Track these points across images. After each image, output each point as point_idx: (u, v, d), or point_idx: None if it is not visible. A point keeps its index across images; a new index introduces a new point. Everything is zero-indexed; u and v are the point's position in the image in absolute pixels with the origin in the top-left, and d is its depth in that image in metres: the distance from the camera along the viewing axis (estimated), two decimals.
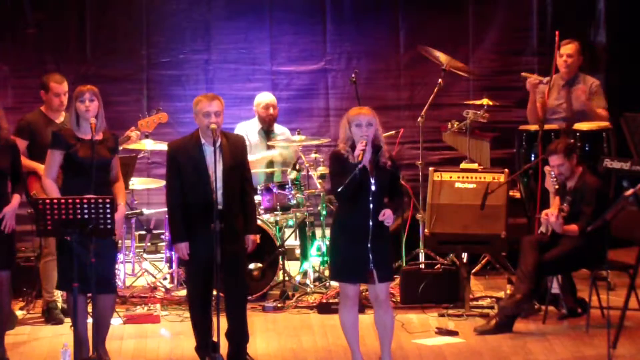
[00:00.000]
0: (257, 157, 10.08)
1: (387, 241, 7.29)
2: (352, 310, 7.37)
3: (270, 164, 10.24)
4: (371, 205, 7.16)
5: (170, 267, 9.92)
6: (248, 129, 10.26)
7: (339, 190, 7.13)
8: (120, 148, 8.41)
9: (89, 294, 7.43)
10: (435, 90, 10.11)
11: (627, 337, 8.09)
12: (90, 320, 7.54)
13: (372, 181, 7.18)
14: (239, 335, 7.69)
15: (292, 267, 10.01)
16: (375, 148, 7.24)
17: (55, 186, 7.56)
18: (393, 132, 9.83)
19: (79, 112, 7.56)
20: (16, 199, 7.74)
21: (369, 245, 7.18)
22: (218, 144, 7.44)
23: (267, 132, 10.30)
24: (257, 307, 9.20)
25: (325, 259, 9.89)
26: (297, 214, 9.77)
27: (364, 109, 7.28)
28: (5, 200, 7.71)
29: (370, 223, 7.17)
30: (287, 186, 9.76)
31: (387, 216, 7.11)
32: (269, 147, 10.28)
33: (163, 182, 9.15)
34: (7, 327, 8.16)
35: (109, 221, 7.14)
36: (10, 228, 7.69)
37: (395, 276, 8.84)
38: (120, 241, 9.30)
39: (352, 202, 7.20)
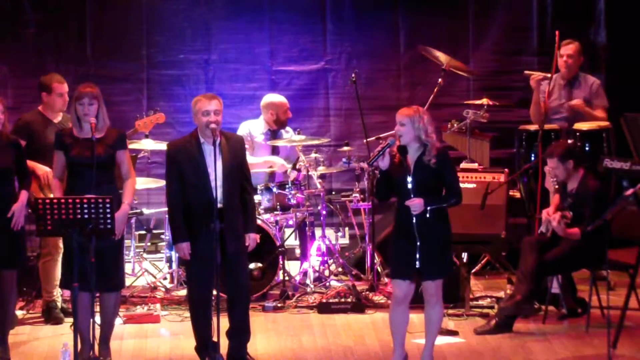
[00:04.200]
0: (259, 161, 10.07)
1: (439, 238, 7.28)
2: (398, 309, 7.36)
3: (272, 174, 10.25)
4: None
5: (170, 266, 9.93)
6: (252, 128, 10.26)
7: (374, 193, 7.49)
8: None
9: (97, 294, 7.46)
10: (435, 90, 10.12)
11: (627, 337, 8.09)
12: (98, 320, 7.57)
13: (410, 180, 7.20)
14: (241, 333, 7.69)
15: (292, 267, 10.01)
16: (423, 145, 7.25)
17: (59, 185, 7.61)
18: (393, 132, 9.81)
19: (78, 114, 7.59)
20: (24, 195, 7.74)
21: (417, 243, 7.21)
22: (217, 143, 7.44)
23: (275, 133, 10.29)
24: (257, 307, 9.19)
25: (326, 258, 9.90)
26: (297, 213, 9.77)
27: (408, 109, 7.34)
28: (12, 198, 7.71)
29: (414, 221, 7.20)
30: (287, 186, 9.76)
31: (413, 203, 7.16)
32: (273, 149, 10.28)
33: (163, 182, 9.14)
34: (11, 327, 8.17)
35: (109, 221, 7.14)
36: (19, 225, 7.68)
37: None
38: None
39: (398, 201, 7.28)
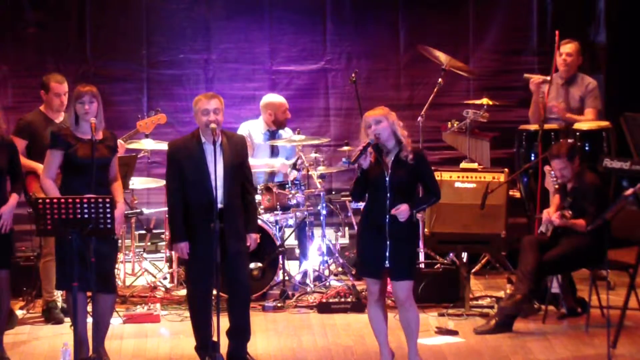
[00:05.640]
0: (260, 163, 10.08)
1: (409, 239, 7.30)
2: (376, 306, 7.40)
3: (272, 174, 10.26)
4: (388, 203, 7.20)
5: (170, 266, 9.93)
6: (252, 129, 10.26)
7: (351, 193, 7.44)
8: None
9: (89, 294, 7.44)
10: (435, 90, 10.12)
11: (627, 337, 8.09)
12: (90, 320, 7.54)
13: (387, 178, 7.21)
14: (242, 333, 7.69)
15: (292, 267, 10.02)
16: (398, 143, 7.26)
17: (54, 186, 7.55)
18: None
19: (78, 113, 7.56)
20: (14, 198, 7.72)
21: (387, 242, 7.21)
22: (218, 142, 7.44)
23: (273, 134, 10.29)
24: (257, 306, 9.19)
25: (325, 258, 9.90)
26: (297, 213, 9.77)
27: (375, 109, 7.34)
28: (3, 200, 7.70)
29: (387, 220, 7.21)
30: (287, 186, 9.76)
31: (400, 211, 7.16)
32: (273, 149, 10.28)
33: (163, 182, 9.14)
34: (7, 326, 8.16)
35: (109, 221, 7.13)
36: (8, 228, 7.67)
37: None
38: (120, 240, 9.29)
39: (371, 198, 7.30)
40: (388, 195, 7.22)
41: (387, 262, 7.24)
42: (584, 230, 8.35)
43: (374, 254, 7.28)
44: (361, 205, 9.98)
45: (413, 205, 7.20)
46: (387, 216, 7.20)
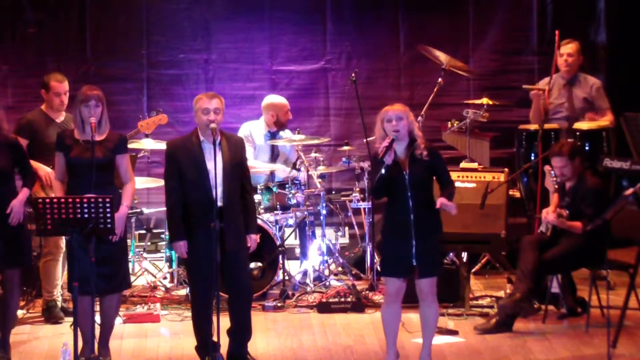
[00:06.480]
0: (262, 168, 10.08)
1: (433, 236, 7.29)
2: (392, 306, 7.37)
3: (272, 174, 10.26)
4: (410, 201, 7.20)
5: (170, 266, 9.93)
6: (253, 130, 10.26)
7: (372, 190, 7.36)
8: None
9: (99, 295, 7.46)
10: (435, 89, 10.11)
11: (626, 337, 8.09)
12: (98, 319, 7.57)
13: (406, 176, 7.21)
14: (242, 332, 7.69)
15: (292, 267, 10.02)
16: (410, 141, 7.28)
17: (60, 187, 7.59)
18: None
19: (83, 116, 7.53)
20: (24, 192, 7.73)
21: (413, 240, 7.20)
22: (218, 141, 7.44)
23: (274, 135, 10.29)
24: (257, 306, 9.18)
25: (325, 258, 9.90)
26: (297, 213, 9.78)
27: (395, 105, 7.34)
28: (11, 199, 7.68)
29: (412, 218, 7.19)
30: (287, 186, 9.77)
31: (447, 205, 7.14)
32: (273, 149, 10.29)
33: (163, 182, 9.13)
34: (13, 326, 8.17)
35: (109, 220, 7.13)
36: (16, 220, 7.67)
37: None
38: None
39: (391, 199, 7.27)
40: (409, 193, 7.21)
41: (414, 260, 7.23)
42: (580, 233, 8.36)
43: (400, 253, 7.25)
44: (361, 205, 10.04)
45: (447, 198, 7.21)
46: (411, 214, 7.19)
